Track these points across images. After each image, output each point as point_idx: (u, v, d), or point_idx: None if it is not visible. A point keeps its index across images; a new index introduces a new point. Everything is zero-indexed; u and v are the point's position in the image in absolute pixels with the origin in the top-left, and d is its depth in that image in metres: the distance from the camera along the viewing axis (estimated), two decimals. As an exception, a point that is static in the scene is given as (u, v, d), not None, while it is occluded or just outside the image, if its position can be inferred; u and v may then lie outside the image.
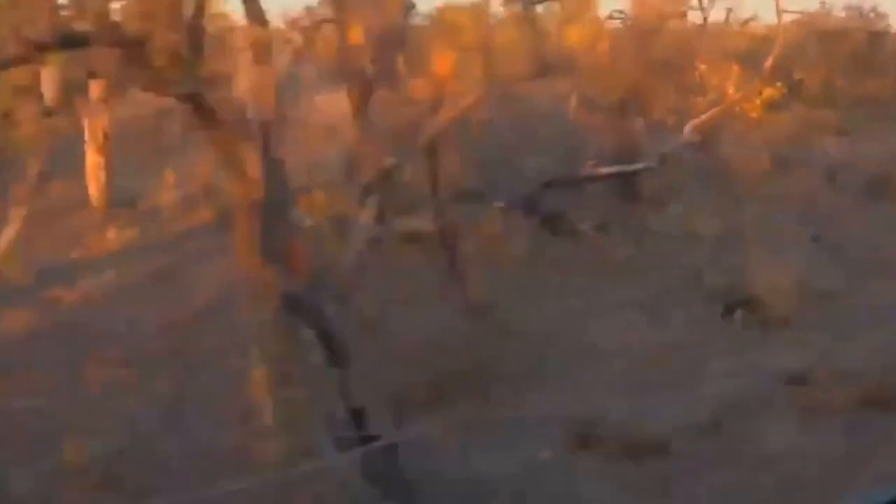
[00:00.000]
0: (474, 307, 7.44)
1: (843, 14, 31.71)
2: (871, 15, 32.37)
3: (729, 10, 17.78)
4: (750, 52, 21.78)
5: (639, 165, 11.67)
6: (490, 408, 6.13)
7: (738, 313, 8.10)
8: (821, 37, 29.54)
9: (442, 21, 16.86)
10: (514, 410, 6.16)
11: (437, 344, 6.66)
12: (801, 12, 15.63)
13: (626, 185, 12.47)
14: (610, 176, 11.74)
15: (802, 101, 22.28)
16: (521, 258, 9.40)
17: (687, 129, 11.87)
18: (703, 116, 12.67)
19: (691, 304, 8.57)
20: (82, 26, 3.64)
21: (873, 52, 29.61)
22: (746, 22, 18.44)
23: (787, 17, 18.79)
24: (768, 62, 13.04)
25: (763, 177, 14.34)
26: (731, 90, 13.76)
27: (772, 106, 16.47)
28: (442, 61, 8.04)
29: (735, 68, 15.53)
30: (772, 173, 14.83)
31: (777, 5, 13.39)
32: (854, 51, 29.16)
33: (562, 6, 19.52)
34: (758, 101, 15.65)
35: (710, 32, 18.30)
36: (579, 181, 11.52)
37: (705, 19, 15.70)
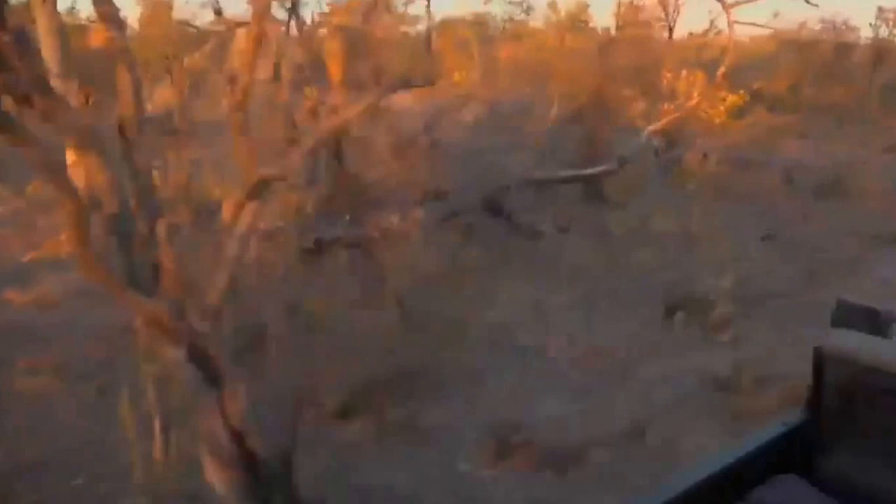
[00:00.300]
0: (406, 313, 6.79)
1: (818, 27, 31.17)
2: (843, 27, 31.78)
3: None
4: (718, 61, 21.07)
5: (598, 168, 10.97)
6: (412, 415, 5.49)
7: (680, 315, 7.44)
8: (792, 47, 28.79)
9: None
10: (438, 417, 5.54)
11: (362, 350, 6.02)
12: (753, 24, 14.74)
13: (590, 186, 11.80)
14: (572, 178, 11.05)
15: (770, 108, 21.58)
16: (472, 260, 8.75)
17: (645, 133, 11.15)
18: (661, 121, 11.91)
19: (638, 306, 7.91)
20: None
21: (840, 62, 28.83)
22: (707, 33, 17.47)
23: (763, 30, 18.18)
24: (720, 71, 12.26)
25: (724, 179, 13.64)
26: (695, 97, 13.07)
27: (737, 112, 15.81)
28: (334, 67, 7.44)
29: (700, 76, 14.85)
30: (732, 175, 14.13)
31: (728, 18, 12.61)
32: (822, 61, 28.37)
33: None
34: (722, 108, 14.96)
35: (684, 42, 17.61)
36: (540, 183, 10.82)
37: (671, 29, 14.97)
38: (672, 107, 13.59)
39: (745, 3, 12.97)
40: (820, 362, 1.92)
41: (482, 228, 9.75)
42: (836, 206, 12.65)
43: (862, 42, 31.73)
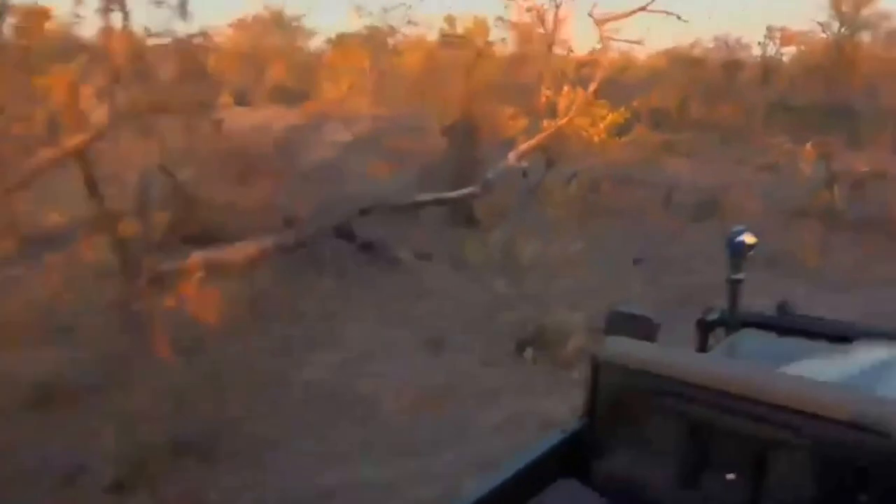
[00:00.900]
0: (216, 362, 5.97)
1: (711, 45, 31.68)
2: (735, 45, 32.40)
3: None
4: (606, 78, 20.92)
5: (461, 192, 10.36)
6: (194, 488, 4.68)
7: (529, 351, 6.84)
8: (683, 65, 29.12)
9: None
10: (227, 490, 4.73)
11: (158, 409, 5.18)
12: (625, 41, 14.49)
13: (458, 209, 11.22)
14: (434, 202, 10.41)
15: (655, 125, 21.56)
16: (317, 294, 7.99)
17: (511, 154, 10.60)
18: (532, 140, 11.38)
19: (490, 341, 7.27)
20: None
21: (729, 79, 29.30)
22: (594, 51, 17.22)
23: (657, 47, 18.03)
24: (592, 87, 11.86)
25: (602, 199, 13.31)
26: (568, 114, 12.65)
27: (619, 130, 15.53)
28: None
29: (580, 93, 14.50)
30: (611, 195, 13.82)
31: (600, 34, 12.26)
32: (711, 78, 28.76)
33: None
34: (602, 126, 14.64)
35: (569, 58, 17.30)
36: (401, 207, 10.15)
37: (550, 46, 14.57)
38: (551, 124, 13.19)
39: (616, 19, 12.64)
40: (595, 369, 1.90)
41: (336, 258, 9.00)
42: (712, 227, 12.41)
43: (753, 60, 32.62)
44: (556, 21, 13.73)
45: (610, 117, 14.72)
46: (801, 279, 9.50)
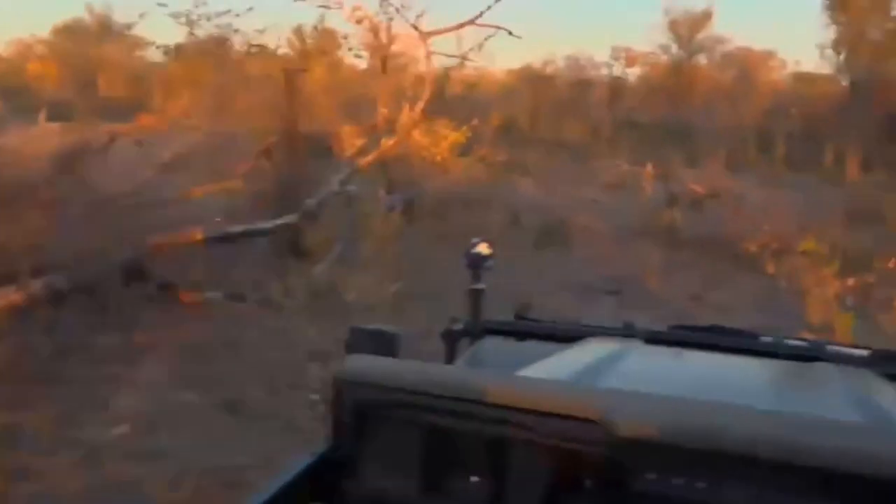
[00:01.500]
0: None
1: (562, 63, 31.96)
2: (586, 65, 32.87)
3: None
4: (458, 97, 20.37)
5: (278, 221, 9.23)
6: None
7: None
8: (532, 83, 29.14)
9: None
10: None
11: None
12: (450, 55, 13.80)
13: (283, 240, 10.08)
14: (245, 234, 9.22)
15: (504, 144, 21.14)
16: (86, 353, 6.65)
17: (336, 178, 9.56)
18: (357, 164, 10.37)
19: (298, 402, 6.16)
20: None
21: (577, 98, 29.57)
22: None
23: (508, 64, 17.50)
24: (419, 105, 11.03)
25: (442, 223, 12.53)
26: (404, 132, 11.77)
27: (464, 148, 14.84)
28: None
29: (414, 110, 13.68)
30: (453, 219, 13.07)
31: (426, 50, 11.48)
32: (560, 96, 28.92)
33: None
34: (443, 145, 13.89)
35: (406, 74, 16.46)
36: (212, 240, 8.89)
37: (384, 60, 13.68)
38: (385, 144, 12.31)
39: (442, 33, 11.90)
40: (337, 388, 1.77)
41: (124, 304, 7.65)
42: (558, 251, 11.87)
43: (602, 79, 33.23)
44: (390, 35, 12.86)
45: (452, 136, 14.01)
46: (644, 307, 8.96)
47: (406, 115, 13.41)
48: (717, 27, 31.77)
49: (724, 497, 1.44)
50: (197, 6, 11.49)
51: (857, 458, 1.39)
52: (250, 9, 11.99)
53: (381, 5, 12.37)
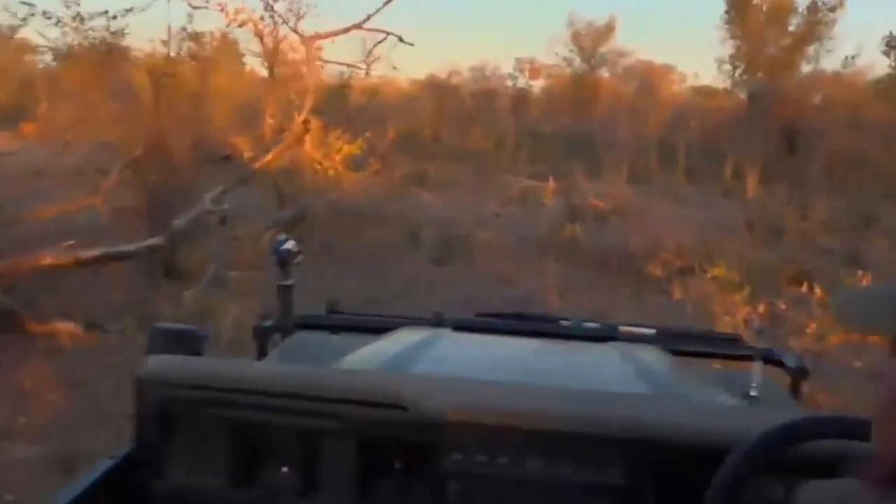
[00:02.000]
0: None
1: (466, 74, 31.57)
2: (491, 76, 32.58)
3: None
4: (359, 107, 19.62)
5: (143, 244, 8.27)
6: None
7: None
8: (435, 93, 28.60)
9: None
10: None
11: None
12: (341, 63, 13.14)
13: (152, 262, 9.11)
14: (106, 257, 8.22)
15: (405, 155, 20.50)
16: None
17: (207, 197, 8.65)
18: (223, 186, 9.40)
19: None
20: None
21: (481, 109, 29.19)
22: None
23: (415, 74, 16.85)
24: (302, 117, 10.23)
25: (336, 238, 11.75)
26: (287, 144, 10.92)
27: (361, 161, 14.08)
28: None
29: (303, 121, 12.86)
30: (349, 234, 12.31)
31: (308, 54, 10.70)
32: (464, 107, 28.48)
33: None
34: (337, 157, 13.10)
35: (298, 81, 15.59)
36: (67, 265, 7.87)
37: (272, 68, 12.81)
38: (270, 156, 11.44)
39: (327, 37, 11.15)
40: (138, 389, 1.75)
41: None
42: (458, 268, 11.25)
43: (507, 90, 33.00)
44: (276, 39, 11.99)
45: (346, 148, 13.24)
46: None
47: (295, 126, 12.62)
48: (619, 41, 32.04)
49: (525, 470, 1.51)
50: (68, 6, 10.32)
51: (640, 426, 1.49)
52: (129, 9, 10.98)
53: (265, 8, 11.51)
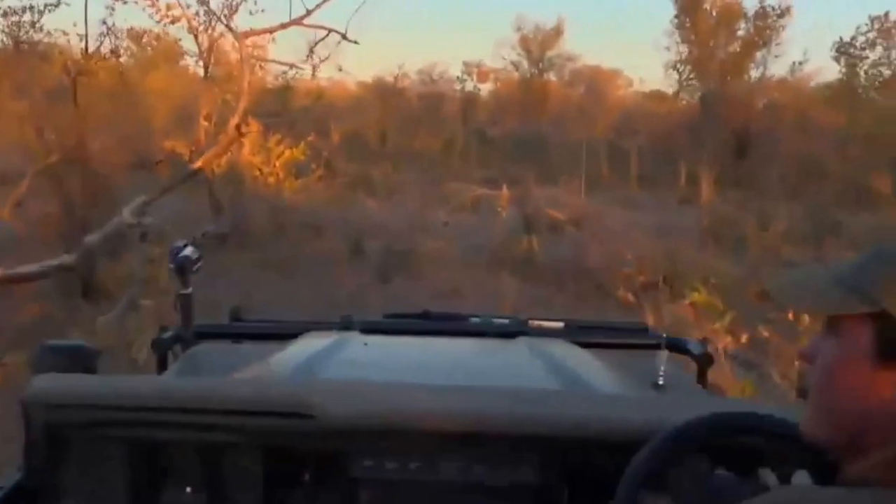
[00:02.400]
0: None
1: (414, 77, 30.81)
2: (439, 79, 31.88)
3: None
4: (303, 111, 18.70)
5: (49, 263, 7.31)
6: None
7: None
8: (383, 95, 27.78)
9: None
10: None
11: None
12: (283, 62, 12.31)
13: (70, 282, 8.16)
14: (11, 280, 7.22)
15: (349, 159, 19.69)
16: None
17: (126, 209, 7.73)
18: (147, 195, 8.42)
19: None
20: None
21: (429, 111, 28.47)
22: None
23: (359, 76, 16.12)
24: (234, 121, 9.36)
25: (274, 250, 10.91)
26: (220, 150, 10.03)
27: (300, 167, 13.23)
28: None
29: (254, 126, 12.00)
30: (288, 245, 11.47)
31: (241, 52, 9.83)
32: (411, 109, 27.72)
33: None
34: (277, 164, 12.24)
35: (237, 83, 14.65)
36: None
37: (206, 68, 11.89)
38: (199, 163, 10.51)
39: (261, 33, 10.28)
40: (25, 412, 1.62)
41: None
42: (404, 284, 10.47)
43: (455, 94, 32.35)
44: (211, 37, 11.09)
45: (287, 153, 12.40)
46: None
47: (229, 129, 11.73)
48: (567, 45, 31.65)
49: (438, 473, 1.49)
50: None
51: (550, 423, 1.48)
52: (54, 5, 9.95)
53: (200, 3, 10.58)
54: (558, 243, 11.85)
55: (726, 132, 20.19)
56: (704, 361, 2.41)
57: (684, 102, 23.62)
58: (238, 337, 2.58)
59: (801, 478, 1.28)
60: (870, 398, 0.95)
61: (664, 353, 2.18)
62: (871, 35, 18.74)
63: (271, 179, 11.84)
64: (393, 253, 11.50)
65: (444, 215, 14.52)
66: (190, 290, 2.35)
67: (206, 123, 11.01)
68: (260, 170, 11.71)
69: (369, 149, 22.16)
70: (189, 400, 1.55)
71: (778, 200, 17.17)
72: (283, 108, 16.12)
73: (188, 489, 1.59)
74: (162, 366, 2.38)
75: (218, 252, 10.30)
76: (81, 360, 1.86)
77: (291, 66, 11.93)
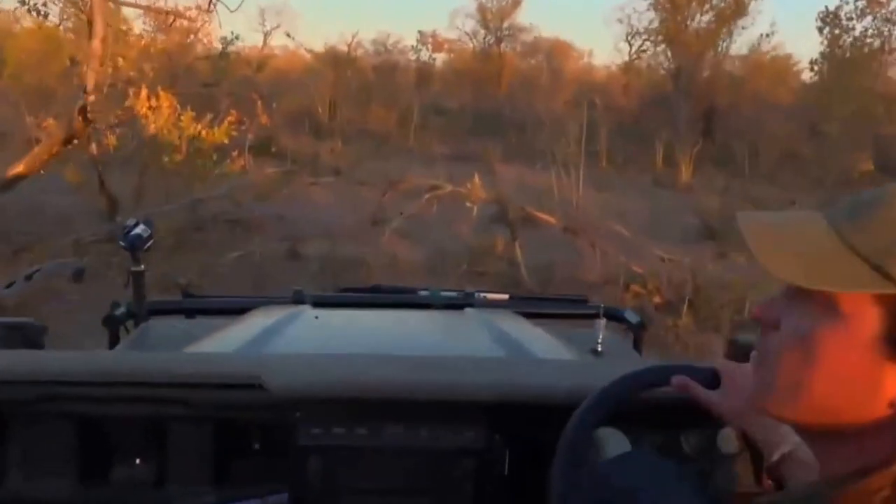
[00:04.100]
0: None
1: (369, 47, 27.87)
2: (393, 48, 28.94)
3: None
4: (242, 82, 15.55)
5: None
6: None
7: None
8: (331, 66, 24.56)
9: None
10: None
11: None
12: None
13: None
14: None
15: (299, 134, 16.62)
16: None
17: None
18: None
19: None
20: None
21: (382, 84, 25.43)
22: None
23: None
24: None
25: (189, 257, 8.01)
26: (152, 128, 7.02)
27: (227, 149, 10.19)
28: None
29: (166, 98, 9.01)
30: (207, 249, 8.55)
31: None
32: (362, 82, 24.59)
33: None
34: (205, 146, 9.21)
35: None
36: None
37: (90, 22, 8.65)
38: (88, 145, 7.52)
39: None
40: None
41: None
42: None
43: (410, 64, 29.53)
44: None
45: (211, 134, 9.37)
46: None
47: (141, 102, 8.70)
48: (525, 16, 28.83)
49: (383, 439, 1.44)
50: None
51: (490, 388, 1.43)
52: None
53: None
54: (541, 244, 9.06)
55: (699, 109, 17.61)
56: (640, 329, 2.44)
57: (656, 76, 20.87)
58: (190, 312, 2.50)
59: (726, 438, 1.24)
60: (872, 393, 0.73)
61: (602, 322, 2.17)
62: (859, 4, 16.18)
63: (189, 165, 8.82)
64: (338, 257, 8.65)
65: (399, 203, 11.59)
66: (142, 267, 2.24)
67: (91, 96, 7.84)
68: (171, 154, 8.66)
69: (318, 123, 19.05)
70: (137, 374, 1.47)
71: (757, 184, 14.76)
72: (218, 80, 13.06)
73: (137, 462, 1.50)
74: (114, 342, 2.28)
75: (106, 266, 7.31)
76: (27, 336, 1.78)
77: (176, 16, 8.80)
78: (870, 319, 0.72)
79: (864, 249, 0.73)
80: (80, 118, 6.22)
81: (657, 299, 6.70)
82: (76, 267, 5.91)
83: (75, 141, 7.24)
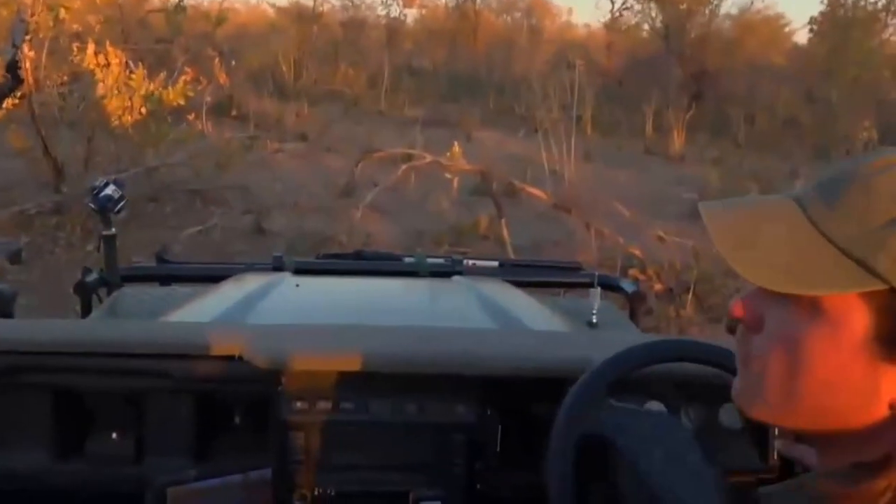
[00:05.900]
0: None
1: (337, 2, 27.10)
2: (361, 3, 28.18)
3: None
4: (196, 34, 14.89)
5: None
6: None
7: None
8: (294, 22, 23.81)
9: None
10: None
11: None
12: None
13: None
14: None
15: (262, 95, 16.07)
16: None
17: None
18: None
19: None
20: None
21: (350, 42, 24.75)
22: None
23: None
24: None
25: (141, 233, 7.59)
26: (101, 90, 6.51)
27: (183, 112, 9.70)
28: None
29: (115, 55, 8.51)
30: (162, 224, 8.11)
31: None
32: (328, 39, 23.90)
33: None
34: (142, 109, 8.69)
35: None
36: None
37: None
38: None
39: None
40: None
41: None
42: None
43: (376, 20, 28.81)
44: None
45: (167, 95, 8.85)
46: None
47: (88, 58, 8.19)
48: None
49: (371, 413, 1.41)
50: None
51: (482, 361, 1.41)
52: None
53: None
54: (526, 220, 8.76)
55: (689, 73, 17.33)
56: (637, 299, 2.42)
57: (645, 33, 20.51)
58: (166, 280, 2.46)
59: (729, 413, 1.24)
60: (869, 396, 0.71)
61: (597, 291, 2.09)
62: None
63: (134, 129, 8.33)
64: (306, 233, 8.29)
65: (373, 172, 11.20)
66: (113, 230, 2.21)
67: (30, 53, 7.30)
68: (120, 117, 8.18)
69: (282, 84, 18.46)
70: (113, 344, 1.46)
71: (754, 153, 14.57)
72: (173, 36, 12.44)
73: (114, 435, 1.49)
74: (86, 310, 2.25)
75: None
76: None
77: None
78: (858, 319, 0.70)
79: (842, 240, 0.70)
80: (9, 76, 5.75)
81: (658, 286, 6.43)
82: (14, 247, 5.46)
83: (6, 100, 6.73)
